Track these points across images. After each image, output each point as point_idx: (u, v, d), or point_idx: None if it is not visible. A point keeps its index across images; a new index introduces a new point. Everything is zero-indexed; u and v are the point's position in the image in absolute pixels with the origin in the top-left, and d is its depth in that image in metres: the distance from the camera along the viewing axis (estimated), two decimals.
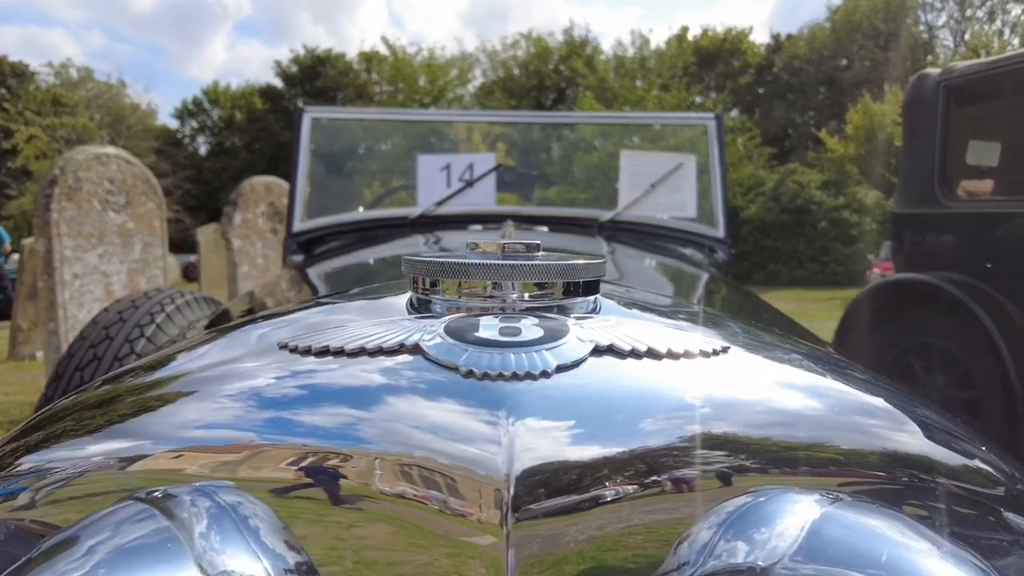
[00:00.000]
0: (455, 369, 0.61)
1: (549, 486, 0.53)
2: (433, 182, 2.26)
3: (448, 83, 35.13)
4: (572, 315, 0.70)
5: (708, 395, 0.61)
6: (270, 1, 76.71)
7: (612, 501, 0.54)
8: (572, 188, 2.89)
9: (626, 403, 0.59)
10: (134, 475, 0.60)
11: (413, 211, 2.16)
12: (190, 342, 0.67)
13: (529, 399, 0.57)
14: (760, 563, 0.55)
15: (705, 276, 1.77)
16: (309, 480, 0.62)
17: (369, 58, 36.28)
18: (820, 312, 10.18)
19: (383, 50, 35.66)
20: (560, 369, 0.60)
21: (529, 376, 0.58)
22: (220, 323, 1.17)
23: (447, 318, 0.70)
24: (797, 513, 0.55)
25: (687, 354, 0.65)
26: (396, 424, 0.63)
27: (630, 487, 0.55)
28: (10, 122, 23.29)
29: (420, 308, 0.77)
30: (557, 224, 2.07)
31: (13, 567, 0.55)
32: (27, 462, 0.60)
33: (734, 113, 32.03)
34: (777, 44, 34.60)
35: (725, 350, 0.67)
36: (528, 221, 2.06)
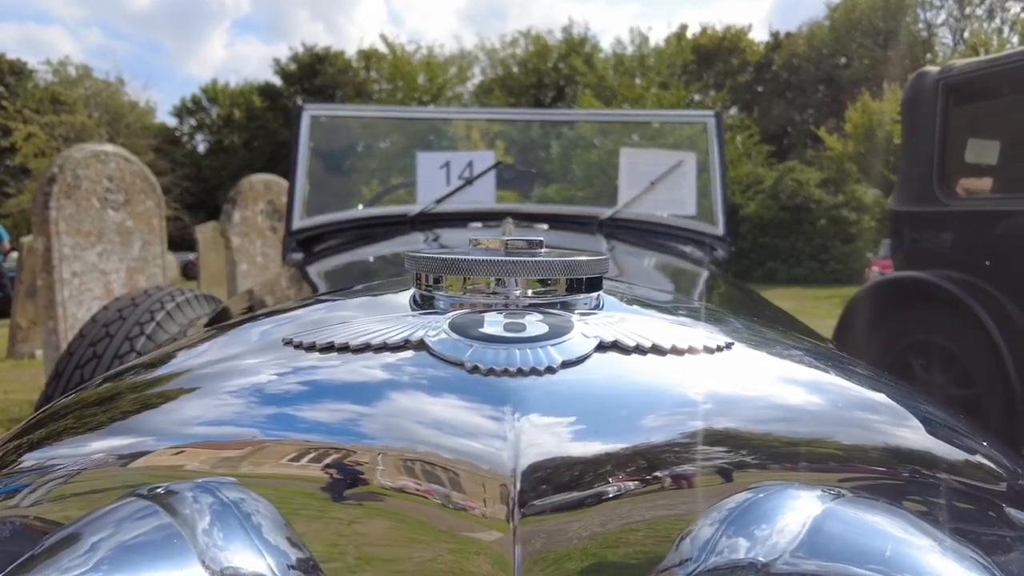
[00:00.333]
0: (460, 365, 0.61)
1: (554, 481, 0.53)
2: (432, 180, 2.25)
3: (447, 81, 35.10)
4: (576, 311, 0.71)
5: (711, 391, 0.61)
6: None
7: (616, 496, 0.54)
8: (571, 186, 2.89)
9: (630, 399, 0.59)
10: (137, 472, 0.60)
11: (413, 209, 2.16)
12: (191, 339, 0.67)
13: (534, 395, 0.57)
14: (761, 559, 0.55)
15: (705, 273, 1.77)
16: (314, 476, 0.62)
17: (368, 56, 36.24)
18: (819, 310, 10.19)
19: (382, 48, 35.65)
20: (565, 365, 0.60)
21: (534, 372, 0.59)
22: (220, 321, 1.17)
23: (451, 314, 0.70)
24: (799, 509, 0.56)
25: (691, 350, 0.65)
26: (402, 420, 0.63)
27: (634, 483, 0.55)
28: (8, 120, 23.25)
29: (423, 304, 0.77)
30: (557, 222, 2.07)
31: (16, 563, 0.55)
32: (29, 459, 0.60)
33: (733, 111, 32.03)
34: (776, 42, 34.59)
35: (729, 346, 0.68)
36: (527, 219, 2.06)
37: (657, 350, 0.64)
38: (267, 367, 0.67)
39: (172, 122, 37.86)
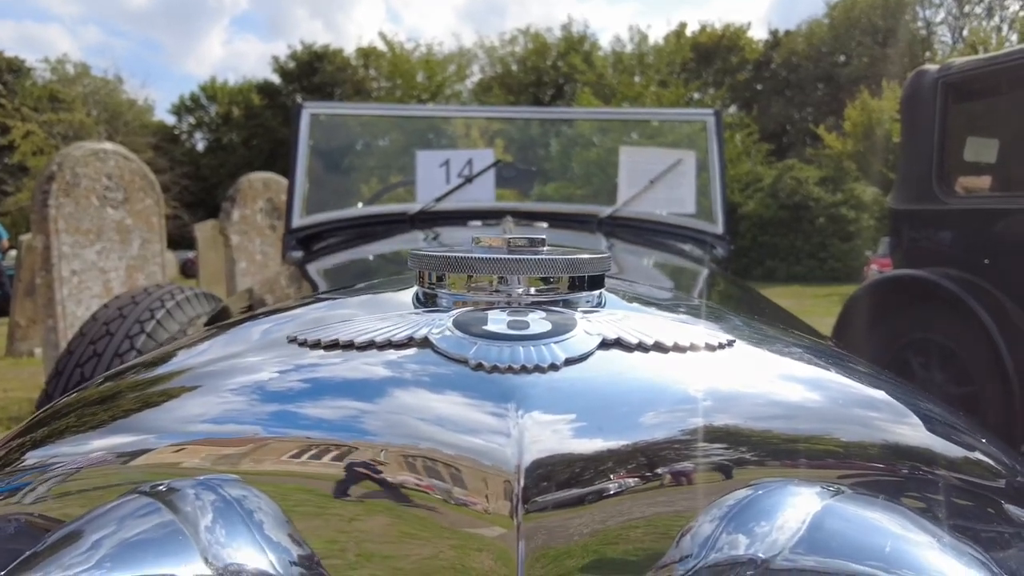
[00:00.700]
0: (464, 362, 0.62)
1: (558, 478, 0.54)
2: (432, 178, 2.25)
3: (446, 79, 35.07)
4: (578, 309, 0.71)
5: (713, 388, 0.62)
6: None
7: (619, 493, 0.55)
8: (571, 184, 2.89)
9: (633, 396, 0.60)
10: (139, 469, 0.61)
11: (412, 207, 2.16)
12: (193, 338, 0.67)
13: (538, 392, 0.57)
14: (761, 555, 0.56)
15: (705, 272, 1.77)
16: (318, 473, 0.62)
17: (367, 54, 36.20)
18: (818, 308, 10.20)
19: (381, 46, 35.61)
20: (568, 362, 0.60)
21: (538, 369, 0.59)
22: (220, 319, 1.17)
23: (455, 312, 0.70)
24: (799, 506, 0.56)
25: (692, 347, 0.65)
26: (406, 417, 0.63)
27: (636, 479, 0.55)
28: (7, 118, 23.21)
29: (427, 302, 0.77)
30: (556, 220, 2.07)
31: (18, 560, 0.55)
32: (32, 458, 0.60)
33: (732, 109, 32.02)
34: (775, 40, 34.58)
35: (730, 343, 0.68)
36: (527, 217, 2.06)
37: (659, 347, 0.65)
38: (270, 365, 0.67)
39: (171, 120, 37.83)
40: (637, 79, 30.39)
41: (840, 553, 0.52)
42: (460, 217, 2.09)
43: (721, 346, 0.67)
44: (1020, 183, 3.17)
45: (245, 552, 0.56)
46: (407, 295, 0.80)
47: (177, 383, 0.66)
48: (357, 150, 2.92)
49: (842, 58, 31.03)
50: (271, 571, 0.55)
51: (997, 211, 3.00)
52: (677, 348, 0.64)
